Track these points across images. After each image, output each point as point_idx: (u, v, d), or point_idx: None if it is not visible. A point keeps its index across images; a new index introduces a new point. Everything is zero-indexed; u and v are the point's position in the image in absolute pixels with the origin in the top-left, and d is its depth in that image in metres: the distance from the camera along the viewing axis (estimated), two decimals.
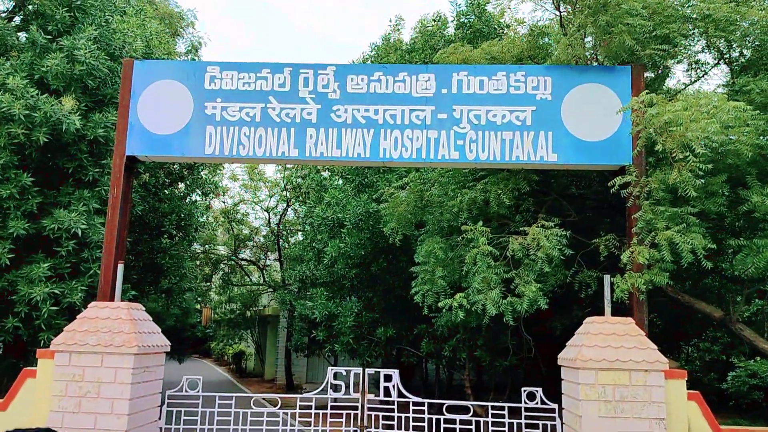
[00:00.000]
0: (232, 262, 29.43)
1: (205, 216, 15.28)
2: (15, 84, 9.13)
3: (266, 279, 28.87)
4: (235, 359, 34.61)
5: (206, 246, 27.11)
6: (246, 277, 30.86)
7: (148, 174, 11.78)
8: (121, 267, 7.18)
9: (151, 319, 7.40)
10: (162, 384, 7.30)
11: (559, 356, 6.77)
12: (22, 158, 9.70)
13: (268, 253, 29.61)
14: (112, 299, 7.05)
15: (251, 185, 27.52)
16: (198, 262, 27.95)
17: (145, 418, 6.77)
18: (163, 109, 7.54)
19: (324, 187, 14.34)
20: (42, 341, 8.73)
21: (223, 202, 28.28)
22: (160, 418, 7.10)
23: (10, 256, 9.06)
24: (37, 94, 9.36)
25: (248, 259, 30.44)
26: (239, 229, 28.74)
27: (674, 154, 6.48)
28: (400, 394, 7.20)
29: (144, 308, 7.33)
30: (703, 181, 6.81)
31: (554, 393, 6.97)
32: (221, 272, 29.29)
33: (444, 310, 7.78)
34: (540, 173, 8.44)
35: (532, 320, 9.20)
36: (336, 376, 7.34)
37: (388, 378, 7.24)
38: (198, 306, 32.08)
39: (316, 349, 16.35)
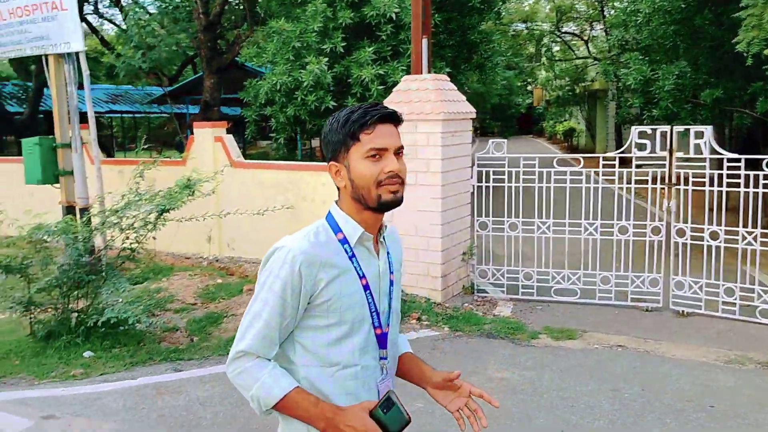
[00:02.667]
0: (555, 37, 28.64)
1: None
2: None
3: (591, 52, 27.66)
4: (566, 136, 35.06)
5: (527, 23, 26.69)
6: (570, 51, 29.94)
7: None
8: (425, 42, 7.78)
9: (456, 89, 8.02)
10: (471, 147, 8.07)
11: None
12: None
13: (593, 23, 27.98)
14: (421, 73, 7.80)
15: None
16: (521, 42, 27.88)
17: (457, 176, 7.68)
18: None
19: None
20: None
21: None
22: (471, 177, 7.96)
23: (342, 44, 10.37)
24: None
25: (572, 32, 29.23)
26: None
27: None
28: (713, 151, 6.80)
29: (449, 80, 7.95)
30: None
31: None
32: (545, 48, 28.81)
33: None
34: None
35: None
36: (641, 135, 7.18)
37: (699, 135, 6.85)
38: (521, 84, 32.45)
39: (644, 119, 15.72)
